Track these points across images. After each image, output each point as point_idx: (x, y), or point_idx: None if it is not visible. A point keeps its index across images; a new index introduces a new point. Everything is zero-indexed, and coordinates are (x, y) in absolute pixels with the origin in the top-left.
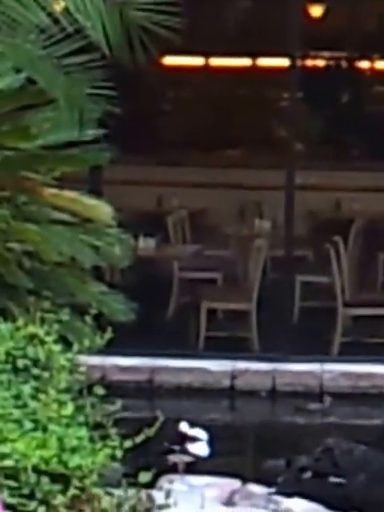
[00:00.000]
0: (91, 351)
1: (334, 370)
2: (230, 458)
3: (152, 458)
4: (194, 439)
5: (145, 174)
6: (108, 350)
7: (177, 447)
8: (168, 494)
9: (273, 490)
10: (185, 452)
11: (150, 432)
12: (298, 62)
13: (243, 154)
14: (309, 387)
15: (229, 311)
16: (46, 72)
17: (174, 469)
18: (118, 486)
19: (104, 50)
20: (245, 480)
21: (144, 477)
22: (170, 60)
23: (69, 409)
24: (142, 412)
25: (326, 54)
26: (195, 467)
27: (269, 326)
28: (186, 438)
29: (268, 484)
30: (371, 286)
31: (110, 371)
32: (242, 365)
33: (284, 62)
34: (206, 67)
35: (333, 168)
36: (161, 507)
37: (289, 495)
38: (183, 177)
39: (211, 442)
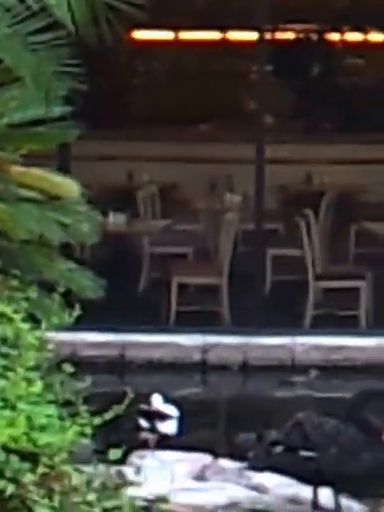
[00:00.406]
0: (60, 328)
1: (306, 343)
2: (202, 433)
3: (123, 434)
4: (164, 416)
5: (115, 149)
6: (78, 325)
7: (147, 424)
8: (138, 471)
9: (244, 464)
10: (155, 429)
11: (120, 409)
12: (267, 35)
13: (213, 128)
14: (281, 360)
15: (200, 285)
16: (12, 50)
17: (145, 444)
18: (88, 462)
19: (69, 27)
20: (216, 455)
21: (114, 454)
22: (138, 34)
23: (37, 387)
24: (113, 387)
25: (296, 26)
26: (166, 443)
27: (240, 300)
28: (157, 414)
29: (239, 459)
30: (342, 258)
31: (80, 347)
32: (213, 339)
33: (253, 35)
34: (176, 41)
35: (303, 141)
36: (131, 484)
37: (260, 470)
38: (153, 151)
39: (182, 419)
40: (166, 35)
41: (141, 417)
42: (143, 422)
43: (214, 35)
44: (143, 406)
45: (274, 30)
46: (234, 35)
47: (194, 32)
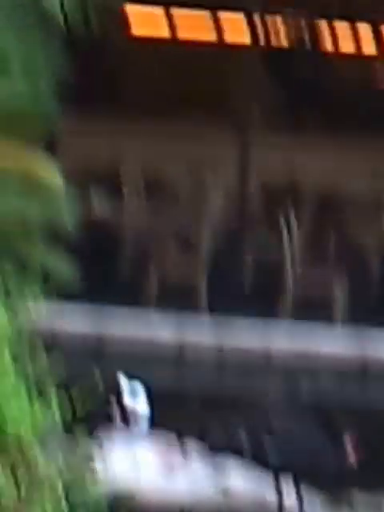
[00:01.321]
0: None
1: None
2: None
3: (92, 409)
4: (133, 393)
5: (103, 136)
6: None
7: (115, 400)
8: (101, 445)
9: (207, 444)
10: (124, 406)
11: (86, 387)
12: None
13: (200, 123)
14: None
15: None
16: (4, 42)
17: (112, 419)
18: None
19: (59, 20)
20: (179, 435)
21: (80, 430)
22: (134, 30)
23: (4, 358)
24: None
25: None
26: (133, 417)
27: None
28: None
29: (203, 439)
30: None
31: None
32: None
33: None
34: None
35: (290, 141)
36: (96, 458)
37: (222, 451)
38: (141, 142)
39: (150, 397)
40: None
41: (109, 391)
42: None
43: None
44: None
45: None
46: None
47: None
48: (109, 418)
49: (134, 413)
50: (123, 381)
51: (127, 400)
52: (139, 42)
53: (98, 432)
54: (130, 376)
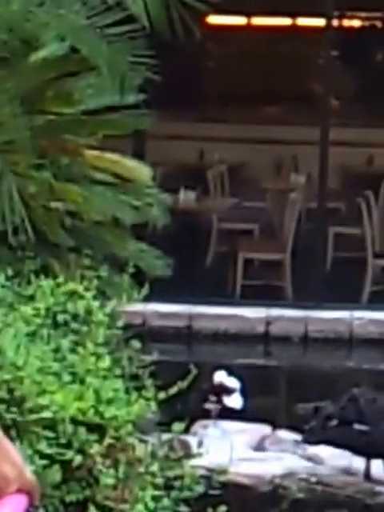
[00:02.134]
0: (129, 304)
1: (364, 318)
2: (263, 403)
3: (189, 403)
4: (229, 391)
5: (187, 129)
6: (149, 297)
7: (212, 397)
8: (200, 444)
9: (300, 437)
10: (220, 403)
11: (183, 385)
12: (334, 22)
13: (281, 110)
14: (339, 334)
15: (265, 261)
16: (89, 41)
17: (208, 415)
18: (152, 433)
19: (143, 21)
20: (275, 426)
21: (178, 426)
22: (212, 19)
23: (106, 362)
24: (181, 356)
25: (362, 14)
26: (229, 413)
27: (302, 276)
28: (221, 388)
29: (297, 429)
30: None
31: (150, 317)
32: (275, 312)
33: (320, 21)
34: (248, 26)
35: (366, 125)
36: (193, 454)
37: (315, 443)
38: (223, 132)
39: (244, 391)
40: (239, 20)
41: (207, 391)
42: (209, 395)
43: (283, 21)
44: (209, 383)
45: (340, 17)
46: (303, 21)
47: (264, 17)
48: (205, 414)
49: (231, 409)
50: (220, 377)
51: (225, 400)
52: (215, 30)
53: (195, 425)
54: (227, 368)
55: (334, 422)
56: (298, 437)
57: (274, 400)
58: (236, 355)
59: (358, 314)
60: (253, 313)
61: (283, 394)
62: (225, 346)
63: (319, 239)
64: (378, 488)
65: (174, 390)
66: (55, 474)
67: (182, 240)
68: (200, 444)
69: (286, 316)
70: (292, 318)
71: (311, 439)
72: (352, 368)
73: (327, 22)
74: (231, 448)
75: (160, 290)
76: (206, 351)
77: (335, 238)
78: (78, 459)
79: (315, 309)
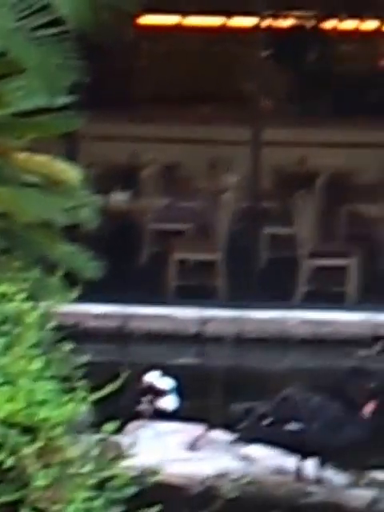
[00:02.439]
0: (62, 305)
1: (297, 317)
2: (197, 403)
3: (123, 404)
4: (162, 392)
5: (120, 130)
6: (83, 298)
7: (146, 398)
8: (132, 445)
9: (234, 436)
10: (153, 403)
11: (115, 385)
12: (266, 21)
13: (214, 110)
14: (272, 334)
15: (198, 261)
16: (18, 43)
17: (141, 415)
18: (84, 433)
19: (71, 23)
20: (209, 426)
21: (109, 427)
22: (144, 19)
23: (38, 363)
24: (115, 357)
25: (294, 13)
26: (162, 413)
27: (235, 276)
28: (154, 389)
29: (231, 429)
30: (333, 237)
31: (84, 318)
32: (209, 312)
33: (252, 20)
34: (180, 26)
35: (298, 125)
36: (126, 455)
37: (248, 441)
38: (156, 132)
39: (179, 391)
40: (171, 19)
41: (139, 393)
42: (141, 395)
43: (216, 20)
44: (141, 384)
45: (272, 16)
46: (235, 21)
47: (197, 17)
48: (139, 415)
49: (164, 409)
50: (153, 378)
51: (159, 401)
52: (147, 30)
53: (128, 426)
54: (161, 368)
55: (267, 421)
56: (231, 437)
57: (208, 400)
58: (170, 355)
59: (291, 314)
60: (186, 313)
61: (217, 395)
62: (159, 346)
63: (252, 239)
64: (310, 488)
65: (105, 391)
66: None
67: (116, 241)
68: (132, 445)
69: (220, 316)
70: (226, 319)
71: (244, 438)
72: (286, 368)
73: (258, 22)
74: (163, 448)
75: (94, 291)
76: (141, 352)
77: (268, 238)
78: (10, 461)
79: (249, 309)
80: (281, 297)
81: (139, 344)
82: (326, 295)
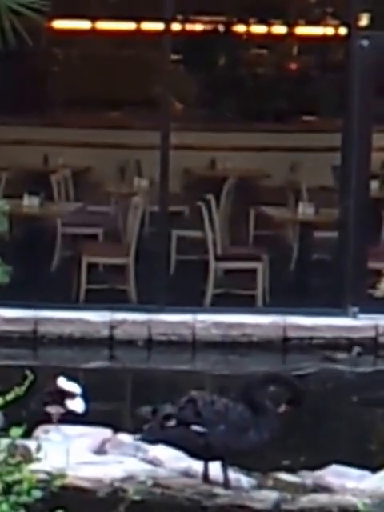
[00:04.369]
0: None
1: (206, 320)
2: (108, 407)
3: (32, 408)
4: (71, 395)
5: (31, 134)
6: None
7: (54, 401)
8: (39, 448)
9: (138, 436)
10: (62, 406)
11: (22, 390)
12: (174, 26)
13: (124, 114)
14: (182, 337)
15: (108, 265)
16: None
17: (50, 419)
18: None
19: None
20: (118, 429)
21: (16, 431)
22: (56, 24)
23: None
24: (27, 361)
25: (203, 18)
26: (71, 417)
27: (145, 279)
28: (62, 393)
29: (139, 432)
30: (241, 240)
31: None
32: (120, 315)
33: (161, 25)
34: (91, 31)
35: (208, 128)
36: (33, 459)
37: (152, 442)
38: (67, 137)
39: (87, 395)
40: (82, 24)
41: (47, 397)
42: (49, 399)
43: (125, 25)
44: (49, 389)
45: (182, 21)
46: (145, 25)
47: (107, 22)
48: (48, 419)
49: (73, 413)
50: (61, 383)
51: (68, 403)
52: (58, 35)
53: (37, 430)
54: (72, 372)
55: (172, 422)
56: (135, 438)
57: (118, 403)
58: (81, 359)
59: (200, 317)
60: (97, 317)
61: (127, 398)
62: (70, 349)
63: (162, 243)
64: (216, 489)
65: (11, 395)
66: None
67: (27, 245)
68: (39, 448)
69: (130, 319)
70: (136, 322)
71: (149, 438)
72: (195, 371)
73: (166, 26)
74: (68, 452)
75: (5, 296)
76: (52, 355)
77: (178, 242)
78: None
79: (159, 312)
80: (190, 300)
81: (50, 348)
82: (236, 298)
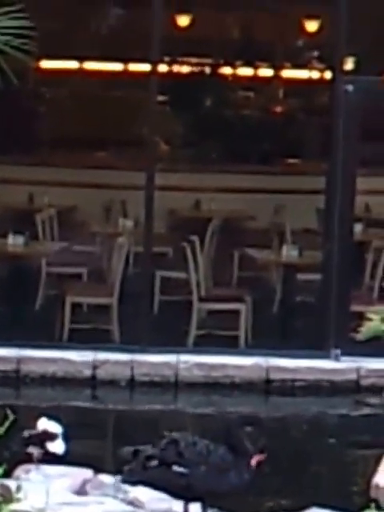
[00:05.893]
0: None
1: (189, 361)
2: (88, 446)
3: (13, 448)
4: (52, 436)
5: (17, 173)
6: None
7: (34, 441)
8: (18, 488)
9: (119, 477)
10: (43, 447)
11: (1, 430)
12: (160, 68)
13: (110, 155)
14: (165, 377)
15: (92, 304)
16: None
17: (31, 459)
18: None
19: None
20: (99, 469)
21: None
22: (44, 64)
23: None
24: (9, 400)
25: (190, 59)
26: (52, 457)
27: (129, 319)
28: (44, 434)
29: (119, 473)
30: (225, 282)
31: None
32: (102, 356)
33: (147, 67)
34: (79, 71)
35: (192, 170)
36: (11, 500)
37: (134, 483)
38: (53, 176)
39: (68, 435)
40: (71, 64)
41: (29, 437)
42: (31, 439)
43: (113, 66)
44: (30, 432)
45: (168, 63)
46: (131, 66)
47: (95, 63)
48: (29, 459)
49: (53, 453)
50: (43, 424)
51: (48, 445)
52: (45, 75)
53: (17, 469)
54: (53, 411)
55: (154, 463)
56: (116, 478)
57: (99, 443)
58: (63, 399)
59: (183, 357)
60: (80, 356)
61: (108, 438)
62: (52, 389)
63: (146, 283)
64: None
65: None
66: None
67: (11, 284)
68: (19, 488)
69: (113, 360)
70: (118, 362)
71: (130, 479)
72: (177, 411)
73: (153, 67)
74: (48, 492)
75: None
76: (34, 395)
77: (162, 282)
78: None
79: (141, 352)
80: (174, 340)
81: (33, 387)
82: (218, 339)
